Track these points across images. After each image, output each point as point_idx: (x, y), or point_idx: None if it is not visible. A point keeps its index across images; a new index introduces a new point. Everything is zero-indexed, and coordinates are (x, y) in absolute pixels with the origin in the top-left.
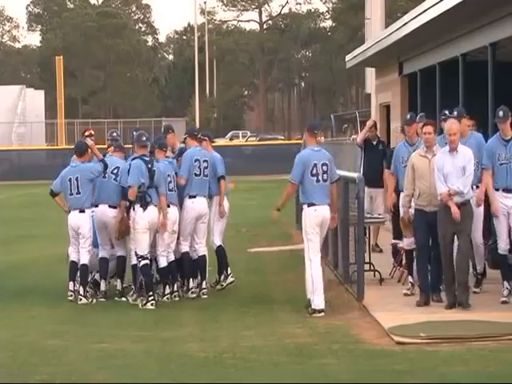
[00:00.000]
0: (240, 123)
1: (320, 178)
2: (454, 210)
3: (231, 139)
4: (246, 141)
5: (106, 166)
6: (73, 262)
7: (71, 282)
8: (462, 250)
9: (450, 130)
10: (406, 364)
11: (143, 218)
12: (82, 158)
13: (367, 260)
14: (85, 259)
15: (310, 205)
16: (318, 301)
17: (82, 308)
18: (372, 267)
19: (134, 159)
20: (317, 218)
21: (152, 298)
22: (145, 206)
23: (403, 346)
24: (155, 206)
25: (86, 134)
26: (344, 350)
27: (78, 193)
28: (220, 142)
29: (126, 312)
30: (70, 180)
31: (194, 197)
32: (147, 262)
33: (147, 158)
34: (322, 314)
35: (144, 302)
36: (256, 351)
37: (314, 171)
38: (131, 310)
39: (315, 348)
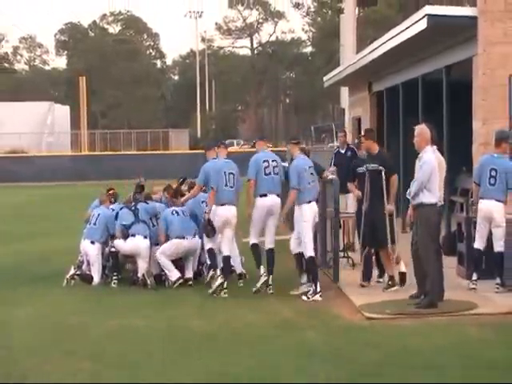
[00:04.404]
0: (234, 133)
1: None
2: (409, 212)
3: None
4: (240, 148)
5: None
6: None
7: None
8: (419, 254)
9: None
10: (375, 336)
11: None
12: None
13: (342, 248)
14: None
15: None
16: None
17: (97, 292)
18: (346, 254)
19: None
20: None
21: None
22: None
23: (372, 320)
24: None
25: (111, 192)
26: (322, 325)
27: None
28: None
29: (138, 294)
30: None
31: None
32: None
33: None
34: None
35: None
36: (248, 326)
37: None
38: (142, 293)
39: (298, 322)
